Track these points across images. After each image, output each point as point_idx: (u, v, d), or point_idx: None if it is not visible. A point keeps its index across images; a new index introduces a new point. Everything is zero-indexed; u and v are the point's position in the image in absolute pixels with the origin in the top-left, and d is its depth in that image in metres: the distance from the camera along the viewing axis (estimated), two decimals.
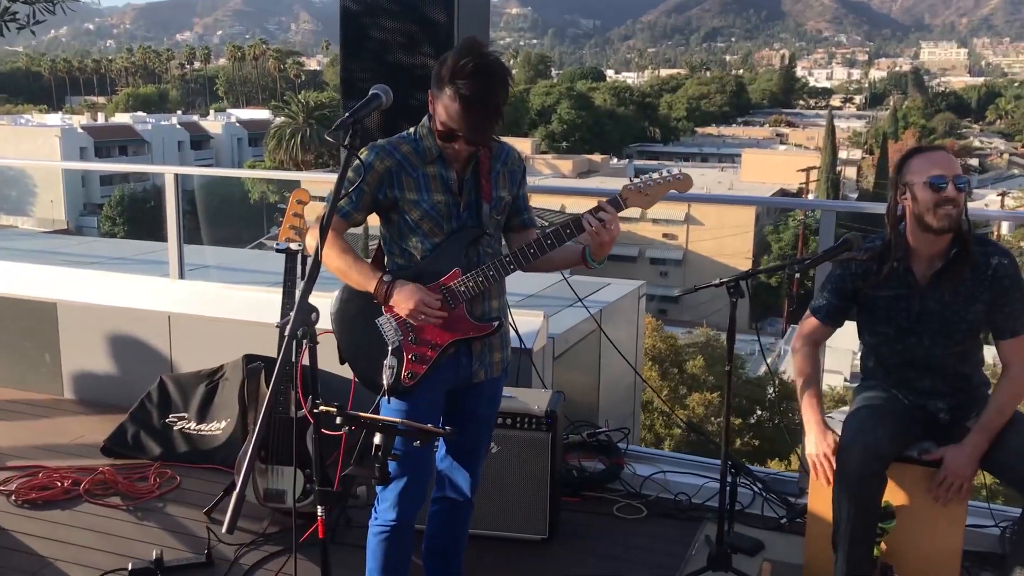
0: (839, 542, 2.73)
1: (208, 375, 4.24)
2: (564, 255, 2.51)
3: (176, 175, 4.73)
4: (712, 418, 20.13)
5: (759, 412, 20.00)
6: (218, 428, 4.12)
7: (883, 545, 2.82)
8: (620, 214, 2.45)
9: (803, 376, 2.98)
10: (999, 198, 48.59)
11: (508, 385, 3.18)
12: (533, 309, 4.13)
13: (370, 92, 2.22)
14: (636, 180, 2.48)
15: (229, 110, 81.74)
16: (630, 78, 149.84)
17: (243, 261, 7.44)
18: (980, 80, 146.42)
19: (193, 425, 4.16)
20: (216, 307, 4.54)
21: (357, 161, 2.23)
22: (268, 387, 3.50)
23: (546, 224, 2.71)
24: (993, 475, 2.81)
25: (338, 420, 1.94)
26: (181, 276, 4.83)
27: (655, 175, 2.50)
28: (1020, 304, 2.76)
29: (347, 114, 2.13)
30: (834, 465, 2.75)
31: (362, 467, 1.97)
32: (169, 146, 62.60)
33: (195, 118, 73.59)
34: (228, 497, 3.58)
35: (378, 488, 2.53)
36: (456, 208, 2.44)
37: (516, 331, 3.62)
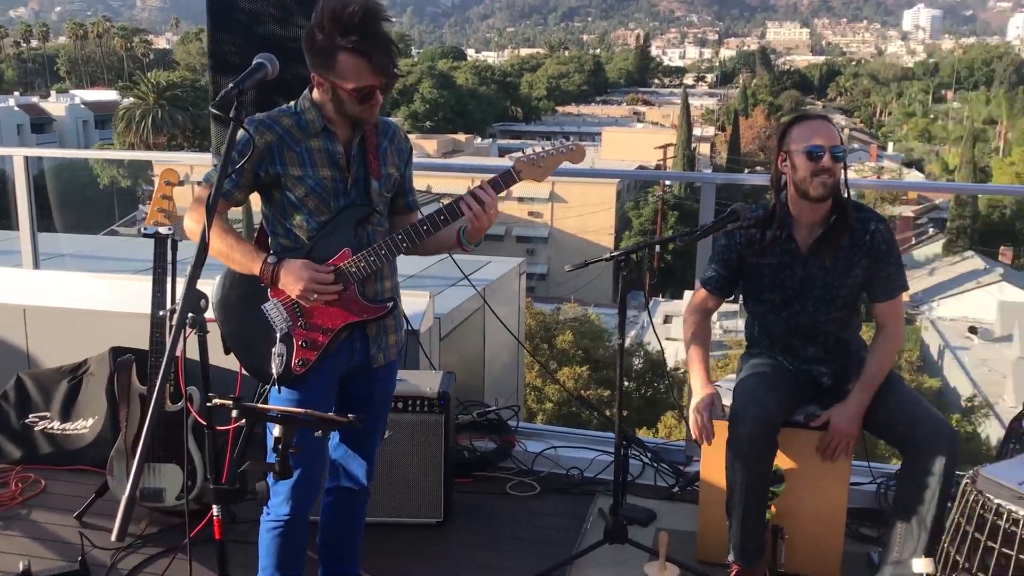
0: (733, 508, 2.80)
1: (70, 371, 3.97)
2: (441, 237, 2.44)
3: (26, 158, 4.39)
4: (583, 391, 20.55)
5: (627, 383, 20.53)
6: (84, 427, 3.87)
7: (773, 508, 2.90)
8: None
9: (692, 342, 3.03)
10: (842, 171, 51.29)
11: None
12: (417, 289, 4.05)
13: (254, 61, 2.08)
14: (529, 152, 2.44)
15: (73, 91, 77.05)
16: (491, 57, 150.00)
17: (101, 249, 7.01)
18: (821, 59, 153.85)
19: (56, 424, 3.89)
20: (76, 298, 4.24)
21: (246, 135, 2.09)
22: (142, 380, 3.30)
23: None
24: (874, 435, 2.93)
25: (234, 413, 1.82)
26: (36, 266, 4.50)
27: (547, 146, 2.46)
28: (895, 268, 2.88)
29: (231, 84, 1.99)
30: (708, 421, 2.81)
31: (260, 461, 1.86)
32: (7, 129, 58.46)
33: (35, 100, 69.01)
34: (100, 499, 3.36)
35: (270, 481, 2.41)
36: (343, 184, 2.34)
37: (403, 312, 3.53)
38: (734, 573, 2.83)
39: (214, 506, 1.95)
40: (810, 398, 2.98)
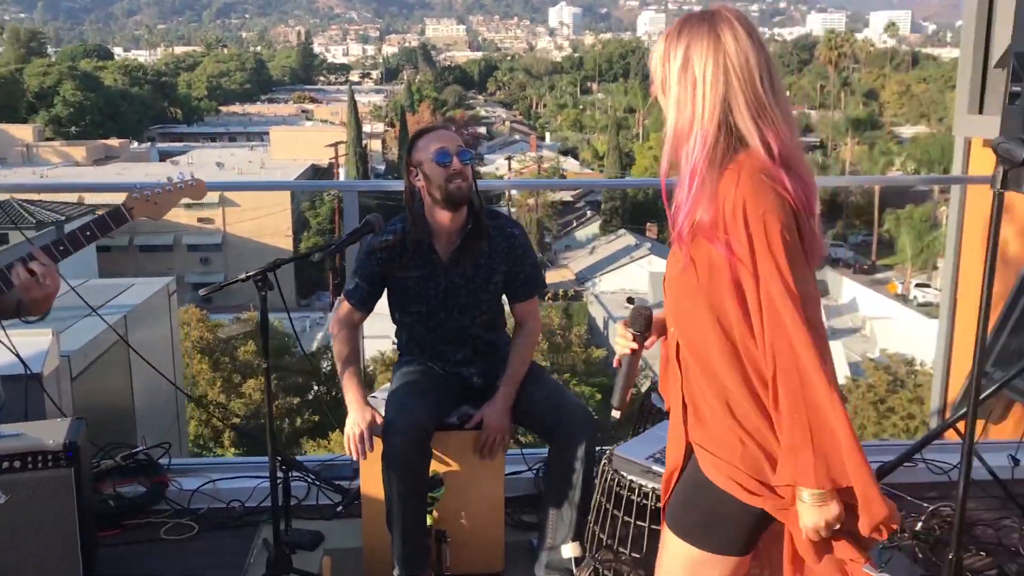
0: (393, 521, 2.77)
1: None
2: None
3: None
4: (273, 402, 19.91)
5: (316, 387, 20.22)
6: None
7: (435, 513, 2.91)
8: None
9: (342, 358, 2.98)
10: (506, 162, 54.12)
11: (13, 421, 2.75)
12: (38, 327, 3.60)
13: None
14: (143, 188, 2.24)
15: None
16: (142, 56, 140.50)
17: None
18: (479, 55, 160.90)
19: None
20: None
21: None
22: None
23: None
24: (523, 426, 3.05)
25: None
26: None
27: (164, 181, 2.28)
28: (532, 270, 3.00)
29: None
30: (368, 441, 2.78)
31: None
32: None
33: None
34: None
35: None
36: None
37: (17, 355, 3.12)
38: None
39: None
40: (463, 399, 3.02)
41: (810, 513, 1.68)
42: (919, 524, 3.18)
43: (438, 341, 2.99)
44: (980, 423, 6.47)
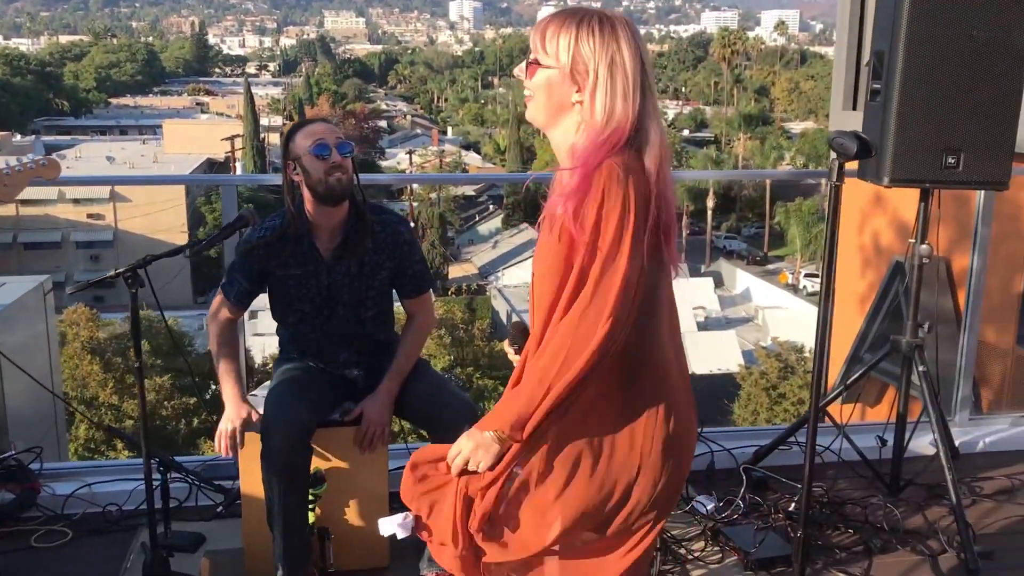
0: (274, 520, 2.73)
1: None
2: None
3: None
4: (166, 402, 19.34)
5: (214, 386, 19.73)
6: None
7: (318, 510, 2.89)
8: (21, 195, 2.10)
9: (219, 354, 2.91)
10: (408, 156, 53.75)
11: None
12: None
13: None
14: None
15: None
16: (23, 45, 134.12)
17: None
18: (380, 48, 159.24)
19: None
20: None
21: None
22: None
23: None
24: (405, 419, 3.04)
25: None
26: None
27: (12, 161, 2.18)
28: (420, 266, 2.98)
29: None
30: (240, 438, 2.74)
31: None
32: None
33: None
34: None
35: None
36: None
37: None
38: None
39: None
40: (346, 396, 2.99)
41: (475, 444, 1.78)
42: (792, 505, 3.31)
43: (323, 340, 2.93)
44: (858, 406, 6.78)
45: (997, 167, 3.05)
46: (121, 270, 2.64)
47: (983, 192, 3.81)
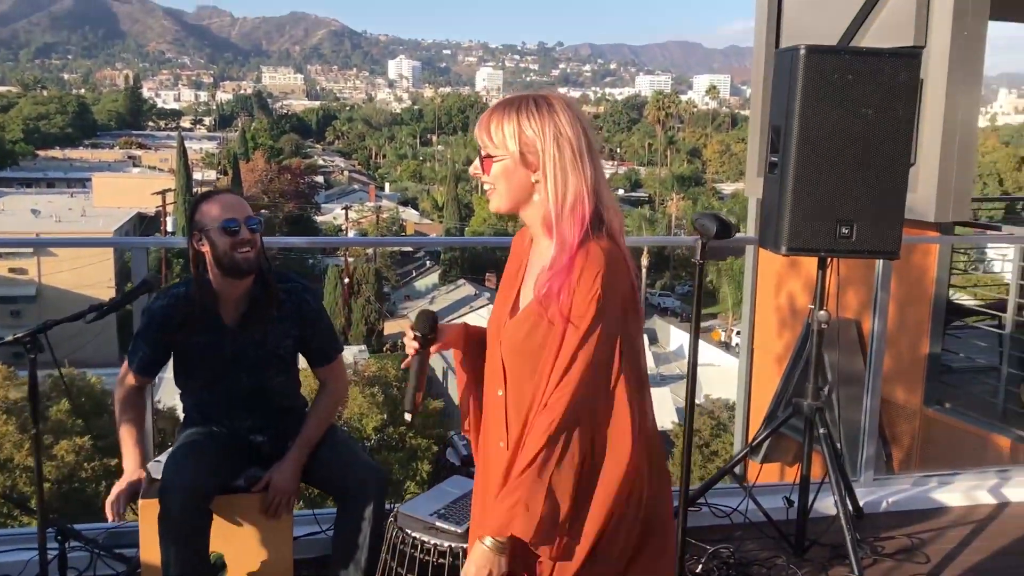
0: None
1: None
2: None
3: None
4: (86, 463, 18.69)
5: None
6: None
7: None
8: None
9: (122, 420, 2.87)
10: (344, 211, 53.65)
11: None
12: None
13: None
14: None
15: None
16: None
17: None
18: (317, 103, 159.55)
19: None
20: None
21: None
22: None
23: None
24: (313, 486, 3.01)
25: None
26: None
27: None
28: (327, 333, 2.99)
29: None
30: (123, 502, 2.71)
31: None
32: None
33: None
34: None
35: None
36: None
37: None
38: None
39: None
40: (251, 462, 2.96)
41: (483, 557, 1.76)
42: (699, 566, 3.35)
43: (227, 406, 2.90)
44: (776, 465, 6.89)
45: (888, 237, 3.19)
46: (19, 335, 2.60)
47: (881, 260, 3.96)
